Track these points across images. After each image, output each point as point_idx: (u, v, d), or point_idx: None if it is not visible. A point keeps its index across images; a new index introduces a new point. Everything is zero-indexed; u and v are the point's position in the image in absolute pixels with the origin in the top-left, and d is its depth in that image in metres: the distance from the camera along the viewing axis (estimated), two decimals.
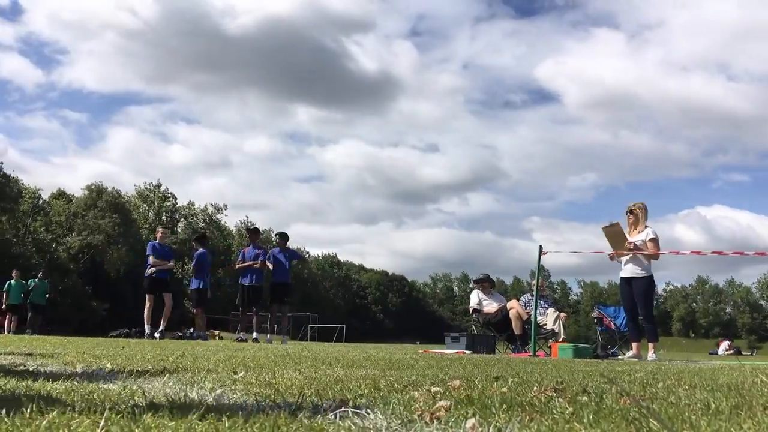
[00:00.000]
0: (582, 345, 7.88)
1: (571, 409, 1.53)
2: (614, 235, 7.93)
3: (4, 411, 1.26)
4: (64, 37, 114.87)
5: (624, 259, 8.01)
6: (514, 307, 9.74)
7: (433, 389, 1.97)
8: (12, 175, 47.06)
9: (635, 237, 7.98)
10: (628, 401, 1.70)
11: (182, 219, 66.80)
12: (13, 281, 17.17)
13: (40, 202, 52.96)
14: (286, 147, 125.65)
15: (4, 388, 1.75)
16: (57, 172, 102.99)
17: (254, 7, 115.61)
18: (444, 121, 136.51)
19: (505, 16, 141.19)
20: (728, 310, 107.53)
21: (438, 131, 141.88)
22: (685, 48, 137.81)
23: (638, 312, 8.03)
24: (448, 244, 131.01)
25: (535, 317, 8.60)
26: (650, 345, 8.08)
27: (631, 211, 8.15)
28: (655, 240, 7.91)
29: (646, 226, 8.09)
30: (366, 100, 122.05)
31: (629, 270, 7.97)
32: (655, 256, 7.94)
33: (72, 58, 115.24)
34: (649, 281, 8.00)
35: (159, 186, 66.13)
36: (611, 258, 8.13)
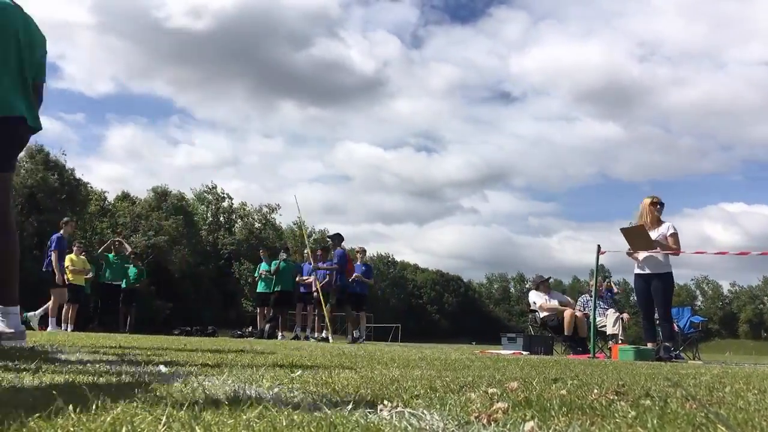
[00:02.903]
0: (643, 347, 7.65)
1: (633, 413, 1.49)
2: (636, 236, 7.56)
3: (70, 407, 1.30)
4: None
5: (641, 255, 7.67)
6: (569, 313, 9.55)
7: (490, 391, 1.95)
8: (81, 179, 48.87)
9: (655, 232, 7.64)
10: (694, 406, 1.64)
11: (238, 219, 68.11)
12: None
13: (106, 203, 54.85)
14: (287, 147, 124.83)
15: (70, 384, 1.82)
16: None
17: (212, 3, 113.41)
18: (441, 119, 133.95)
19: (455, 23, 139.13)
20: None
21: (436, 129, 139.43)
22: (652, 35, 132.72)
23: (654, 311, 7.68)
24: (473, 242, 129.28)
25: (594, 318, 8.43)
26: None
27: (657, 203, 7.78)
28: (675, 235, 7.57)
29: (662, 221, 7.75)
30: (357, 96, 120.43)
31: (647, 266, 7.63)
32: (676, 253, 7.60)
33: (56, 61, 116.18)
34: (668, 278, 7.65)
35: (215, 187, 67.60)
36: (629, 255, 7.78)
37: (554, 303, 9.93)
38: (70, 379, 1.94)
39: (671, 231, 7.60)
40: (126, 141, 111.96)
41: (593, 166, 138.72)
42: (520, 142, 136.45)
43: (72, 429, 1.09)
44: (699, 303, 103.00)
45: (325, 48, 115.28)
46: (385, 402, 1.54)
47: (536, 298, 10.18)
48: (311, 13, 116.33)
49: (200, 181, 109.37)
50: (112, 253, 14.57)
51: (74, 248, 13.80)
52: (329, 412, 1.38)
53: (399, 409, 1.43)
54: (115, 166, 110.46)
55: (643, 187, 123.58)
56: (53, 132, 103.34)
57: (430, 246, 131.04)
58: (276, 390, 1.82)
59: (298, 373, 2.55)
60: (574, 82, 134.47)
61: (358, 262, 12.80)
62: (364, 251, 13.38)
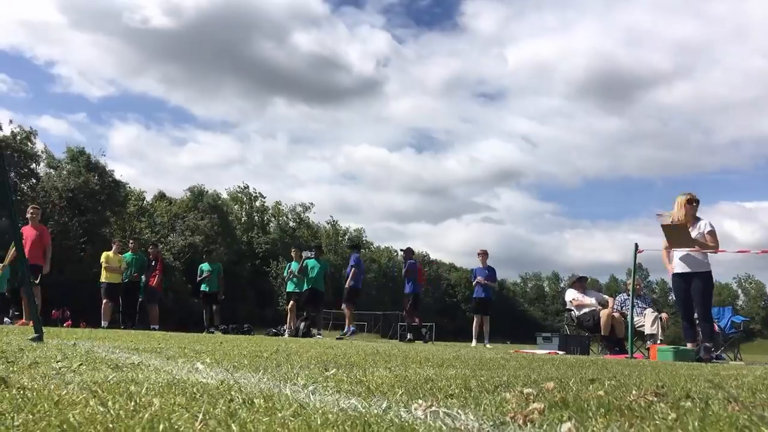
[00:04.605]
0: (683, 347, 7.49)
1: (674, 415, 1.46)
2: (676, 234, 7.37)
3: (109, 403, 1.33)
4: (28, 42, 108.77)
5: (678, 253, 7.46)
6: (606, 312, 9.39)
7: (526, 391, 1.92)
8: (121, 180, 49.80)
9: (693, 230, 7.40)
10: (737, 408, 1.60)
11: (272, 219, 68.73)
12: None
13: (144, 203, 55.85)
14: (290, 146, 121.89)
15: (110, 380, 1.85)
16: None
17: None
18: (441, 119, 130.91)
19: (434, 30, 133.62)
20: None
21: (437, 129, 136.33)
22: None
23: (693, 311, 7.43)
24: (487, 240, 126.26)
25: (632, 318, 8.29)
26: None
27: (693, 201, 7.53)
28: (713, 233, 7.34)
29: (699, 218, 7.52)
30: (354, 95, 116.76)
31: (685, 265, 7.41)
32: (715, 251, 7.35)
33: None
34: (707, 277, 7.41)
35: (247, 187, 68.33)
36: (666, 250, 7.56)
37: (591, 300, 9.79)
38: (109, 376, 1.98)
39: (708, 228, 7.39)
40: (128, 141, 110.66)
41: (601, 163, 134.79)
42: (524, 141, 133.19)
43: (111, 425, 1.11)
44: (741, 302, 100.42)
45: (315, 45, 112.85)
46: (420, 401, 1.53)
47: (571, 295, 10.07)
48: (292, 10, 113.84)
49: (208, 180, 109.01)
50: (130, 252, 14.56)
51: (113, 246, 14.08)
52: (363, 411, 1.38)
53: (433, 408, 1.42)
54: (121, 166, 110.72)
55: (655, 183, 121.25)
56: (59, 131, 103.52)
57: (446, 244, 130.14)
58: (311, 388, 1.83)
59: (333, 371, 2.56)
60: (571, 77, 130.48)
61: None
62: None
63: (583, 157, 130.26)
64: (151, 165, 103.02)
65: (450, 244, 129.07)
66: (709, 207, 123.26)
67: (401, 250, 14.06)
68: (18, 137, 42.64)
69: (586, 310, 9.70)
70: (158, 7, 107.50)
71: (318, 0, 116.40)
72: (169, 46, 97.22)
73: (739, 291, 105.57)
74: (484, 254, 13.32)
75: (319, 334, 13.30)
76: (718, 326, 10.34)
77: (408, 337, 12.84)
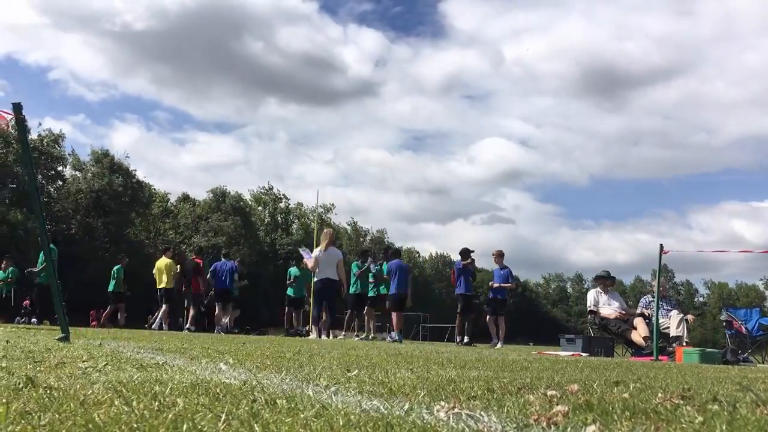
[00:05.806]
0: (709, 349, 7.38)
1: (700, 418, 1.43)
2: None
3: (134, 403, 1.34)
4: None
5: None
6: (638, 327, 9.18)
7: (549, 393, 1.91)
8: (145, 182, 50.30)
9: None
10: (765, 411, 1.57)
11: (295, 220, 69.04)
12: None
13: (168, 205, 56.41)
14: (291, 147, 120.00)
15: (135, 380, 1.87)
16: None
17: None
18: (440, 119, 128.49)
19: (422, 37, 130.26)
20: None
21: (437, 129, 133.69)
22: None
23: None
24: (496, 241, 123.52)
25: (657, 319, 8.19)
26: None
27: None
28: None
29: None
30: (351, 96, 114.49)
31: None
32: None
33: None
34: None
35: (271, 188, 68.65)
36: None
37: (612, 309, 9.61)
38: (134, 376, 2.00)
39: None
40: (130, 142, 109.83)
41: (606, 163, 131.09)
42: (526, 140, 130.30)
43: (135, 425, 1.12)
44: None
45: (309, 45, 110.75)
46: (442, 403, 1.52)
47: (593, 298, 9.89)
48: (278, 8, 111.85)
49: (210, 181, 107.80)
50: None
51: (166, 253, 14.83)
52: (386, 412, 1.38)
53: (456, 410, 1.41)
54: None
55: (660, 183, 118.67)
56: (65, 130, 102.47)
57: (456, 245, 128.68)
58: (333, 389, 1.83)
59: (355, 372, 2.56)
60: (570, 76, 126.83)
61: None
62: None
63: (588, 156, 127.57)
64: (153, 166, 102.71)
65: (460, 244, 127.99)
66: (713, 206, 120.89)
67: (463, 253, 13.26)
68: (45, 140, 43.37)
69: (610, 315, 9.53)
70: (144, 7, 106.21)
71: (304, 1, 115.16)
72: (158, 46, 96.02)
73: (767, 293, 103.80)
74: (499, 255, 13.11)
75: (342, 335, 13.31)
76: (745, 328, 10.18)
77: (465, 340, 12.78)
